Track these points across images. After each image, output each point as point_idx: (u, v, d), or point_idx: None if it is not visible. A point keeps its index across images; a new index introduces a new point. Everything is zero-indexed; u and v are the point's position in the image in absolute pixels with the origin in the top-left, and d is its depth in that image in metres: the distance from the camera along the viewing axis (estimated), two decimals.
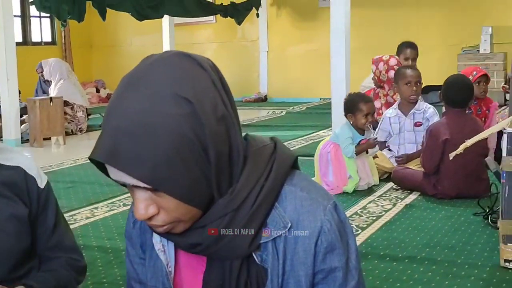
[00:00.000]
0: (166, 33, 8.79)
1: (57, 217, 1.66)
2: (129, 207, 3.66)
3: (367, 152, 4.03)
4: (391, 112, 4.51)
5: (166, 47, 8.74)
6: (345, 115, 4.10)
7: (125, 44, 12.67)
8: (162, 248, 1.12)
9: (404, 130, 4.43)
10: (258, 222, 1.03)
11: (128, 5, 7.86)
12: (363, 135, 4.03)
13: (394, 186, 4.05)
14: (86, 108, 7.63)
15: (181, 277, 1.14)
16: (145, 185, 0.94)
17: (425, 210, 3.51)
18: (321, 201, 1.07)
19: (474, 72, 4.63)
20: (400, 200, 3.73)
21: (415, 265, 2.65)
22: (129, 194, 3.61)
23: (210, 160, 0.98)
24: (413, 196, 3.81)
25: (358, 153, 3.94)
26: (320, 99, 9.88)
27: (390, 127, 4.48)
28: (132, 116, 0.93)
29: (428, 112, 4.41)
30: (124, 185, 0.99)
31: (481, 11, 8.72)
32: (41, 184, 1.62)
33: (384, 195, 3.89)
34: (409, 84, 4.36)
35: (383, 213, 3.46)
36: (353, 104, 4.01)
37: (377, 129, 4.43)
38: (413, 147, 4.37)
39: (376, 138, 4.05)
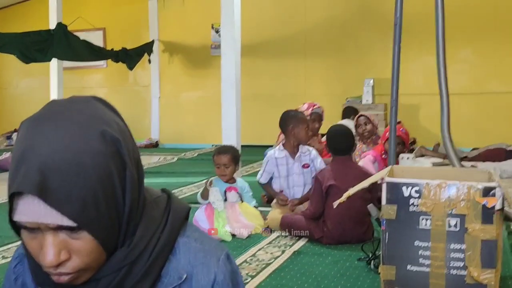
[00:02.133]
0: (54, 77, 8.54)
1: None
2: (8, 259, 3.49)
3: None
4: (278, 154, 4.60)
5: (54, 90, 8.49)
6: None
7: (10, 87, 12.20)
8: None
9: (293, 173, 4.56)
10: (153, 275, 1.02)
11: (14, 48, 7.62)
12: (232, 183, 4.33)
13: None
14: None
15: None
16: (70, 224, 0.90)
17: (313, 256, 3.59)
18: (214, 252, 1.08)
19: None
20: (288, 247, 3.79)
21: None
22: (7, 246, 3.39)
23: (126, 205, 0.97)
24: (301, 243, 3.90)
25: (204, 197, 4.20)
26: (212, 145, 9.95)
27: (277, 169, 4.58)
28: (61, 153, 0.90)
29: (312, 154, 4.64)
30: (30, 228, 0.93)
31: (364, 64, 9.23)
32: None
33: (273, 242, 3.95)
34: (306, 129, 4.57)
35: (272, 260, 3.50)
36: (212, 156, 4.43)
37: (260, 170, 4.64)
38: (301, 190, 4.53)
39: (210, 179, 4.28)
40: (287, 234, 4.08)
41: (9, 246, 3.90)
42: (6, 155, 8.02)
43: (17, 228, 0.98)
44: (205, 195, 4.19)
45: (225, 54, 5.33)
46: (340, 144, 3.98)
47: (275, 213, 4.29)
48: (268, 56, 9.87)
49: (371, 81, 8.74)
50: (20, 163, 0.91)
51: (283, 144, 4.66)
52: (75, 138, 0.92)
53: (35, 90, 11.55)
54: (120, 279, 1.00)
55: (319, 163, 4.64)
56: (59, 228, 0.93)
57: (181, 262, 1.05)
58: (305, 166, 4.59)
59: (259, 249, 3.75)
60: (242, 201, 4.31)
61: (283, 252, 3.69)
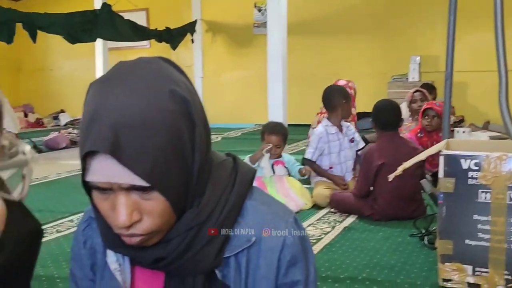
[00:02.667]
0: (99, 57, 8.65)
1: None
2: (62, 233, 3.57)
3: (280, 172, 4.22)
4: (329, 130, 4.51)
5: (99, 71, 8.60)
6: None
7: (56, 68, 12.40)
8: (119, 267, 1.08)
9: (344, 148, 4.51)
10: (222, 236, 1.02)
11: (60, 28, 7.71)
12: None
13: (331, 210, 4.10)
14: (16, 134, 7.37)
15: None
16: (142, 183, 0.90)
17: (363, 232, 3.56)
18: (282, 215, 1.07)
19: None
20: (338, 223, 3.77)
21: (357, 285, 2.67)
22: (62, 221, 3.48)
23: (195, 164, 0.96)
24: (351, 219, 3.86)
25: (252, 162, 4.15)
26: (255, 124, 9.95)
27: (328, 145, 4.51)
28: (132, 111, 0.89)
29: (353, 128, 4.63)
30: (102, 188, 0.93)
31: (410, 41, 9.07)
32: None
33: (322, 218, 3.92)
34: (350, 103, 4.53)
35: (323, 236, 3.48)
36: (262, 132, 4.35)
37: (309, 148, 4.55)
38: (351, 164, 4.47)
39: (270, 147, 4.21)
40: (336, 211, 4.04)
41: (62, 220, 3.98)
42: (54, 134, 8.18)
43: (88, 189, 0.98)
44: (255, 159, 4.15)
45: (271, 32, 5.29)
46: (387, 118, 3.88)
47: (321, 189, 4.27)
48: (310, 34, 9.78)
49: (418, 58, 8.58)
50: (92, 122, 0.90)
51: (328, 120, 4.58)
52: (145, 96, 0.91)
53: (79, 71, 11.73)
54: (189, 240, 0.99)
55: (358, 137, 4.65)
56: (132, 188, 0.92)
57: (249, 224, 1.04)
58: (351, 140, 4.55)
59: (309, 225, 3.73)
60: (289, 175, 4.30)
61: (333, 228, 3.66)
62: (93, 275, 1.15)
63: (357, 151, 4.59)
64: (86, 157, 0.91)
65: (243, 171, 1.08)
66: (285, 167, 4.29)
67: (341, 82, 5.36)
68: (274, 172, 4.23)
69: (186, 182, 0.97)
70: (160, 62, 0.99)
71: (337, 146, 4.51)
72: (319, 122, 5.04)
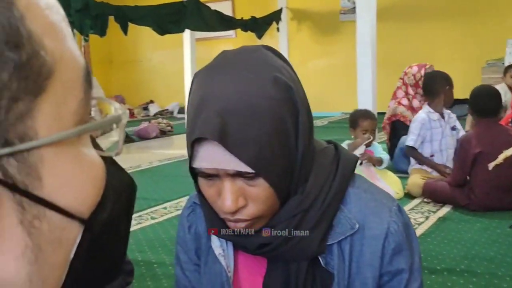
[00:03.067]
0: (187, 48, 8.80)
1: None
2: (157, 220, 3.68)
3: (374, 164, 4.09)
4: (432, 116, 4.35)
5: (187, 61, 8.76)
6: (350, 128, 4.23)
7: (145, 59, 12.75)
8: (223, 252, 1.10)
9: (446, 135, 4.35)
10: (326, 223, 1.01)
11: (150, 20, 7.90)
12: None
13: (424, 199, 3.99)
14: None
15: (239, 281, 1.12)
16: (248, 170, 0.91)
17: (459, 222, 3.44)
18: (385, 202, 1.06)
19: None
20: (432, 213, 3.66)
21: (455, 277, 2.59)
22: (156, 208, 3.58)
23: (298, 150, 0.96)
24: (445, 209, 3.75)
25: (351, 149, 3.99)
26: (342, 113, 9.84)
27: (430, 132, 4.35)
28: (238, 98, 0.90)
29: (454, 117, 4.44)
30: (208, 175, 0.95)
31: (505, 23, 8.65)
32: None
33: (415, 208, 3.83)
34: (452, 88, 4.35)
35: (417, 226, 3.39)
36: (354, 119, 4.16)
37: (411, 135, 4.38)
38: (452, 152, 4.28)
39: (371, 139, 4.08)
40: (429, 201, 3.93)
41: (156, 208, 4.09)
42: (145, 124, 8.44)
43: (194, 175, 1.00)
44: (354, 148, 4.07)
45: (360, 18, 5.19)
46: (485, 104, 3.70)
47: (416, 178, 4.14)
48: (400, 20, 9.54)
49: None
50: (199, 110, 0.92)
51: (429, 106, 4.41)
52: (249, 83, 0.92)
53: (168, 62, 12.01)
54: (293, 227, 1.00)
55: (459, 125, 4.45)
56: (237, 175, 0.93)
57: (353, 211, 1.04)
58: (453, 128, 4.38)
59: None
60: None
61: (427, 218, 3.56)
62: (197, 259, 1.18)
63: (458, 139, 4.40)
64: (193, 144, 0.92)
65: (345, 159, 1.07)
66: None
67: (415, 68, 5.15)
68: (362, 163, 4.14)
69: (290, 169, 0.97)
70: (263, 50, 1.00)
71: (439, 133, 4.34)
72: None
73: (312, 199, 1.00)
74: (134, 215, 3.80)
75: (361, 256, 1.02)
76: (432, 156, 4.36)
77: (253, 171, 0.91)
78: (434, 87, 4.38)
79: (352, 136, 4.18)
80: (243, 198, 0.95)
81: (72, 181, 0.38)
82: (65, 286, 0.40)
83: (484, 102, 3.70)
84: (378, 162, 4.09)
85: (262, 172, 0.92)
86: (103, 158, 0.43)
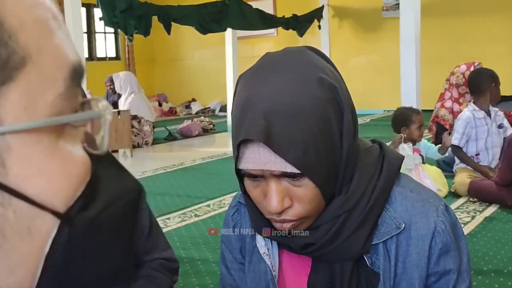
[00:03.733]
0: (229, 46, 8.85)
1: (151, 218, 1.67)
2: (201, 217, 3.71)
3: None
4: (477, 114, 4.26)
5: (229, 60, 8.80)
6: (396, 130, 4.13)
7: (187, 58, 12.86)
8: (267, 251, 1.10)
9: (492, 133, 4.26)
10: (371, 223, 1.01)
11: (192, 19, 7.97)
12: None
13: (470, 199, 3.91)
14: (152, 122, 7.76)
15: (284, 281, 1.12)
16: (294, 170, 0.91)
17: (507, 222, 3.37)
18: (432, 202, 1.04)
19: None
20: (478, 213, 3.60)
21: (502, 278, 2.54)
22: (199, 205, 3.60)
23: (343, 150, 0.96)
24: (492, 209, 3.67)
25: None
26: (384, 110, 9.74)
27: (475, 130, 4.26)
28: (283, 99, 0.91)
29: (502, 114, 4.32)
30: (254, 175, 0.95)
31: None
32: None
33: (461, 207, 3.76)
34: (499, 85, 4.27)
35: (462, 225, 3.33)
36: (405, 117, 4.05)
37: (456, 134, 4.32)
38: (499, 151, 4.17)
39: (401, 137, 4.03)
40: (475, 200, 3.86)
41: (200, 205, 4.13)
42: (188, 122, 8.52)
43: (240, 176, 1.00)
44: (394, 147, 4.04)
45: (404, 14, 5.12)
46: None
47: (463, 177, 4.06)
48: (444, 16, 9.38)
49: None
50: (245, 110, 0.92)
51: (475, 104, 4.33)
52: (294, 84, 0.92)
53: (209, 61, 12.09)
54: (338, 226, 0.99)
55: (507, 123, 4.33)
56: (283, 175, 0.93)
57: (398, 211, 1.02)
58: (500, 126, 4.27)
59: None
60: (424, 163, 4.14)
61: (473, 218, 3.50)
62: (242, 258, 1.18)
63: (505, 138, 4.28)
64: (239, 146, 0.93)
65: (390, 158, 1.06)
66: (420, 155, 4.12)
67: (463, 67, 5.06)
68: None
69: (335, 169, 0.97)
70: (307, 51, 1.00)
71: (485, 132, 4.24)
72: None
73: (357, 199, 0.99)
74: (178, 213, 3.89)
75: (407, 256, 1.01)
76: (477, 155, 4.27)
77: (298, 172, 0.92)
78: (479, 84, 4.29)
79: (405, 135, 4.05)
80: (288, 198, 0.95)
81: (43, 172, 0.38)
82: (46, 282, 0.40)
83: None
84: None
85: (308, 172, 0.92)
86: (105, 159, 0.43)
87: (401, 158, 1.09)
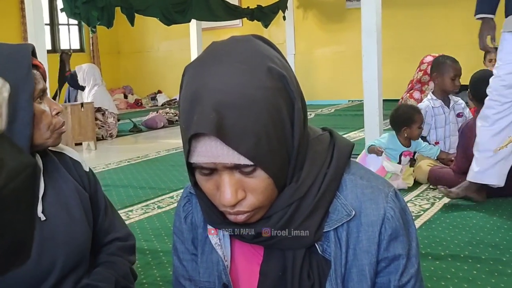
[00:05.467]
0: (194, 38, 8.80)
1: (105, 198, 1.68)
2: (164, 209, 3.70)
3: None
4: (434, 103, 4.35)
5: (194, 52, 8.76)
6: (396, 128, 4.07)
7: (152, 50, 12.76)
8: (219, 242, 1.11)
9: (450, 122, 4.33)
10: (322, 210, 1.01)
11: (156, 10, 7.90)
12: (408, 146, 4.04)
13: (430, 186, 3.98)
14: (116, 114, 7.69)
15: (236, 270, 1.12)
16: (246, 162, 0.91)
17: (465, 208, 3.44)
18: (382, 188, 1.06)
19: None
20: (438, 200, 3.66)
21: (459, 263, 2.59)
22: (163, 197, 3.59)
23: (294, 139, 0.96)
24: None
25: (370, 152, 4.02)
26: (349, 101, 9.82)
27: (434, 119, 4.35)
28: (233, 90, 0.90)
29: (463, 103, 4.39)
30: (206, 169, 0.95)
31: None
32: (86, 167, 1.64)
33: (421, 195, 3.83)
34: (456, 78, 4.31)
35: (422, 212, 3.40)
36: (408, 116, 4.00)
37: None
38: (456, 139, 4.25)
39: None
40: (435, 187, 3.93)
41: (163, 197, 4.12)
42: (153, 114, 8.46)
43: (191, 169, 1.00)
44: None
45: (365, 4, 5.15)
46: (483, 89, 3.65)
47: (423, 165, 4.13)
48: (405, 6, 9.47)
49: None
50: (194, 104, 0.91)
51: (433, 93, 4.41)
52: (243, 74, 0.92)
53: (175, 52, 12.01)
54: (289, 215, 1.00)
55: (468, 113, 4.41)
56: (236, 167, 0.93)
57: (349, 198, 1.04)
58: (460, 115, 4.35)
59: (407, 201, 3.65)
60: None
61: (432, 204, 3.56)
62: (194, 249, 1.18)
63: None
64: (190, 140, 0.92)
65: (340, 145, 1.07)
66: (412, 157, 4.11)
67: (428, 59, 5.12)
68: (400, 162, 4.04)
69: (287, 158, 0.97)
70: (254, 40, 0.99)
71: (443, 120, 4.32)
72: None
73: (308, 187, 1.00)
74: (141, 205, 3.87)
75: (358, 243, 1.03)
76: (437, 143, 4.35)
77: (251, 163, 0.92)
78: (437, 72, 4.37)
79: (406, 135, 4.02)
80: (242, 190, 0.96)
81: None
82: None
83: (485, 88, 3.65)
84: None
85: (261, 163, 0.92)
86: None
87: (351, 145, 1.10)
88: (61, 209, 1.49)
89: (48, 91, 5.58)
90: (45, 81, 1.49)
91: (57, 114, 1.48)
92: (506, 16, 3.31)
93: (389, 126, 5.80)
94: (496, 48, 3.53)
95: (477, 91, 3.69)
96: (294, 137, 0.96)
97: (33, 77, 1.42)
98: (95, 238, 1.62)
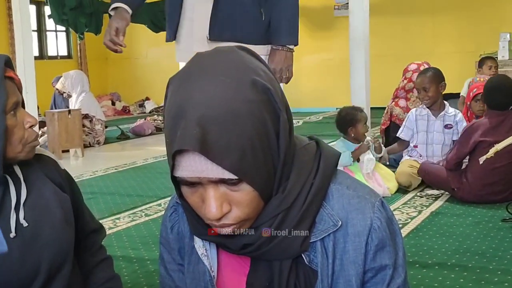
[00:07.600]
0: None
1: (80, 195, 1.70)
2: (151, 217, 3.69)
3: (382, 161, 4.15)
4: (419, 111, 4.43)
5: None
6: (342, 130, 4.23)
7: (140, 56, 12.72)
8: (205, 252, 1.10)
9: (434, 130, 4.37)
10: (308, 221, 1.01)
11: (144, 17, 7.91)
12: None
13: (418, 194, 4.00)
14: (104, 121, 7.65)
15: (223, 281, 1.11)
16: (231, 177, 0.91)
17: (452, 216, 3.45)
18: (368, 198, 1.05)
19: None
20: (425, 208, 3.68)
21: (446, 271, 2.60)
22: (150, 205, 3.58)
23: (280, 151, 0.96)
24: (438, 203, 3.76)
25: (355, 157, 4.10)
26: (336, 108, 9.83)
27: (415, 124, 4.41)
28: (217, 104, 0.90)
29: (458, 117, 4.41)
30: (191, 182, 0.94)
31: (499, 18, 8.66)
32: (61, 166, 1.64)
33: (408, 202, 3.84)
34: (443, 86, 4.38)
35: (409, 220, 3.41)
36: (352, 116, 4.18)
37: (401, 127, 4.52)
38: (440, 148, 4.33)
39: (368, 142, 4.18)
40: (422, 195, 3.95)
41: (150, 204, 4.10)
42: (141, 121, 8.43)
43: (176, 182, 0.99)
44: (359, 154, 4.11)
45: (353, 13, 5.19)
46: (503, 98, 3.66)
47: (404, 167, 4.21)
48: (393, 14, 9.54)
49: (508, 35, 8.17)
50: (178, 118, 0.91)
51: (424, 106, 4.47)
52: (228, 88, 0.91)
53: (163, 59, 11.96)
54: (276, 226, 0.99)
55: (461, 126, 4.43)
56: (220, 181, 0.93)
57: (335, 208, 1.03)
58: (448, 126, 4.36)
59: (394, 209, 3.66)
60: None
61: (419, 212, 3.58)
62: (181, 259, 1.17)
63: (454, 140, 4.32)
64: (174, 155, 0.92)
65: (327, 155, 1.06)
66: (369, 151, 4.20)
67: (412, 66, 5.16)
68: (359, 160, 4.13)
69: (272, 170, 0.97)
70: (238, 52, 0.99)
71: (424, 126, 4.37)
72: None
73: (294, 198, 1.00)
74: (128, 212, 3.85)
75: (344, 253, 1.02)
76: (416, 147, 4.44)
77: (236, 178, 0.91)
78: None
79: (352, 135, 4.18)
80: (227, 203, 0.95)
81: None
82: None
83: (502, 97, 3.67)
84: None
85: (245, 177, 0.92)
86: None
87: (338, 154, 1.09)
88: (43, 213, 1.50)
89: (35, 98, 5.52)
90: (21, 92, 1.48)
91: (30, 127, 1.47)
92: None
93: (376, 133, 5.84)
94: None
95: (492, 99, 3.72)
96: (280, 148, 0.96)
97: (6, 89, 1.40)
98: (76, 235, 1.64)
